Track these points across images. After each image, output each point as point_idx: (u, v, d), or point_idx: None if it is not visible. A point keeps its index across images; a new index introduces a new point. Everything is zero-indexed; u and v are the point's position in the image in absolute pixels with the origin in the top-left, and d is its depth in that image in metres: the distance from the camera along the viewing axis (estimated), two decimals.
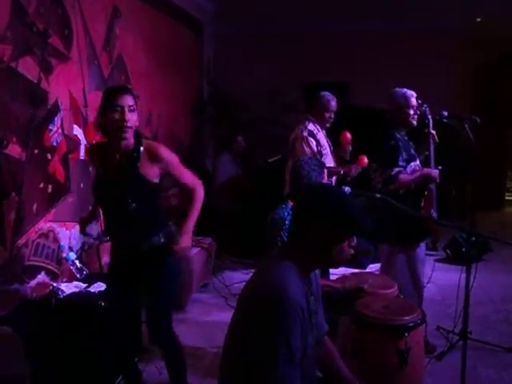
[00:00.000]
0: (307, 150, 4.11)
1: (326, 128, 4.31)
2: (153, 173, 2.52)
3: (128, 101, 2.42)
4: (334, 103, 4.23)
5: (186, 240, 2.58)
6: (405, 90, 3.43)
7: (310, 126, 4.19)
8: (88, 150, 2.54)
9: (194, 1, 6.60)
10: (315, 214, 1.72)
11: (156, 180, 2.54)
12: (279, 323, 1.60)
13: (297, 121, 4.41)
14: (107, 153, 2.52)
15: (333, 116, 4.27)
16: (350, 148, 4.22)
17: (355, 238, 1.77)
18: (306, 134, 4.15)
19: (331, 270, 3.49)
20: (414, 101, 3.39)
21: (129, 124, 2.41)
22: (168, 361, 2.76)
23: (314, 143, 4.14)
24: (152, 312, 2.65)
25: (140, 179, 2.49)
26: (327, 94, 4.26)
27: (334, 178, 4.26)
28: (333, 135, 4.43)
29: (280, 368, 1.59)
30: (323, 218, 1.70)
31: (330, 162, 4.22)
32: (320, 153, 4.15)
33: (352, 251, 1.77)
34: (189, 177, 2.69)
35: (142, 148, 2.50)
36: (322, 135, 4.25)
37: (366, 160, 3.97)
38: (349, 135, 4.16)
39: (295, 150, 4.15)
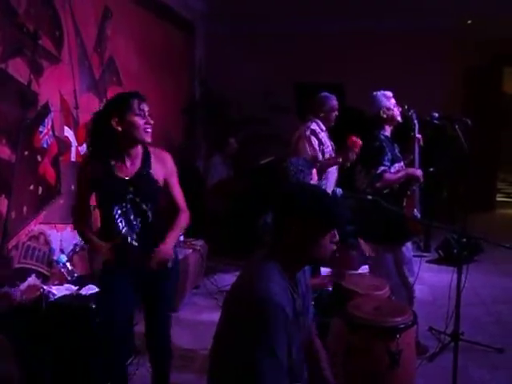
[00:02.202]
0: (309, 148, 4.19)
1: (329, 128, 4.37)
2: (160, 177, 2.56)
3: (147, 106, 2.47)
4: (335, 102, 4.32)
5: (167, 246, 2.51)
6: (382, 91, 3.52)
7: (313, 126, 4.27)
8: (86, 157, 2.48)
9: (185, 1, 6.59)
10: (292, 212, 1.74)
11: (161, 184, 2.57)
12: (264, 332, 1.59)
13: (290, 122, 4.39)
14: (114, 159, 2.46)
15: (336, 114, 4.34)
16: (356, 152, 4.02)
17: (337, 234, 1.78)
18: (308, 133, 4.22)
19: (323, 272, 3.49)
20: (393, 99, 3.50)
21: (151, 129, 2.47)
22: (162, 364, 2.76)
23: (316, 142, 4.21)
24: (159, 318, 2.69)
25: (153, 183, 2.52)
26: (329, 95, 4.34)
27: (336, 168, 4.30)
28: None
29: (268, 376, 1.58)
30: (300, 215, 1.72)
31: None
32: (322, 151, 4.23)
33: (334, 247, 1.79)
34: (182, 197, 2.68)
35: (151, 153, 2.55)
36: (324, 135, 4.32)
37: (359, 141, 3.90)
38: (355, 139, 4.02)
39: (298, 149, 4.21)
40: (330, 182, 4.25)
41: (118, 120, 2.39)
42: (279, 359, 1.61)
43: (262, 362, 1.59)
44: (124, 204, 2.46)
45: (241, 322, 1.64)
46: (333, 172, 4.29)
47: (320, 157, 4.21)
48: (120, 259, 2.47)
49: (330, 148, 4.33)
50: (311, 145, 4.18)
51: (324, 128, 4.31)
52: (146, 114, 2.45)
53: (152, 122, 2.46)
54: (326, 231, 1.75)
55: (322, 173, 4.12)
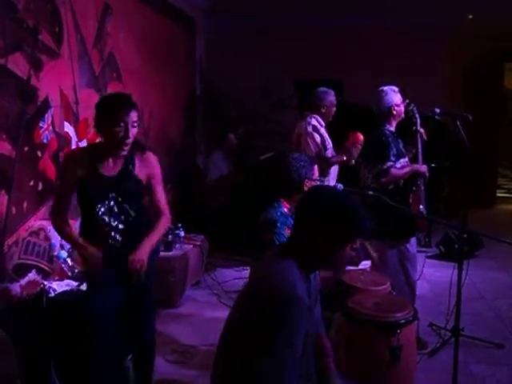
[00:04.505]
0: (312, 145, 4.22)
1: (328, 123, 4.38)
2: (143, 177, 2.56)
3: (133, 117, 2.37)
4: (333, 97, 4.33)
5: (142, 252, 2.47)
6: (389, 86, 3.50)
7: (314, 122, 4.29)
8: (74, 155, 2.49)
9: None
10: (323, 218, 1.71)
11: (144, 182, 2.58)
12: (285, 320, 1.59)
13: (289, 117, 4.39)
14: (100, 156, 2.46)
15: (334, 109, 4.35)
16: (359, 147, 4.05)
17: (358, 242, 1.78)
18: (310, 129, 4.24)
19: None
20: (399, 94, 3.49)
21: (130, 141, 2.39)
22: (146, 361, 2.76)
23: (318, 138, 4.24)
24: (143, 312, 2.68)
25: (136, 183, 2.53)
26: (327, 89, 4.34)
27: (336, 170, 4.34)
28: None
29: (282, 364, 1.59)
30: (332, 221, 1.70)
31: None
32: (325, 147, 4.26)
33: (353, 253, 1.78)
34: (164, 201, 2.67)
35: (135, 155, 2.53)
36: (324, 130, 4.34)
37: (361, 136, 3.94)
38: (361, 136, 4.03)
39: (300, 146, 4.23)
40: (332, 177, 4.27)
41: (99, 128, 2.39)
42: (295, 351, 1.61)
43: (281, 352, 1.58)
44: (107, 202, 2.46)
45: (263, 314, 1.62)
46: (335, 168, 4.30)
47: (323, 152, 4.23)
48: (105, 261, 2.47)
49: (331, 144, 4.34)
50: (314, 141, 4.21)
51: (323, 123, 4.31)
52: (129, 125, 2.35)
53: (130, 135, 2.37)
54: (352, 240, 1.75)
55: (327, 170, 4.15)
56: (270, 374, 1.60)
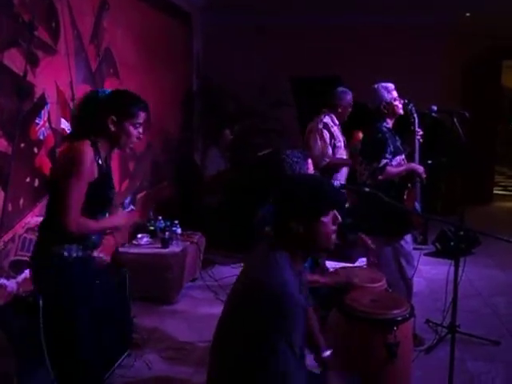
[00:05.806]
0: (320, 142, 4.29)
1: (342, 122, 4.44)
2: None
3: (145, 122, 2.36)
4: (350, 97, 4.39)
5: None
6: (384, 84, 3.50)
7: (326, 119, 4.35)
8: (89, 150, 2.20)
9: None
10: (290, 198, 1.78)
11: None
12: (281, 321, 1.59)
13: (288, 115, 4.42)
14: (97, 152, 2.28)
15: (350, 109, 4.42)
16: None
17: (339, 216, 1.80)
18: (320, 126, 4.32)
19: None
20: (395, 92, 3.48)
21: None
22: None
23: (327, 135, 4.30)
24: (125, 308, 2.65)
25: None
26: (345, 89, 4.42)
27: (346, 169, 4.43)
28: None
29: (282, 366, 1.59)
30: (297, 200, 1.75)
31: (342, 154, 4.42)
32: (334, 145, 4.32)
33: (335, 228, 1.79)
34: None
35: None
36: (336, 129, 4.40)
37: (360, 134, 4.07)
38: (360, 134, 4.22)
39: (309, 142, 4.28)
40: (342, 174, 4.36)
41: (115, 121, 2.25)
42: (294, 349, 1.62)
43: (284, 357, 1.59)
44: (107, 213, 2.37)
45: (255, 314, 1.63)
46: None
47: (330, 151, 4.26)
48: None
49: (343, 143, 4.38)
50: (322, 138, 4.28)
51: (337, 122, 4.39)
52: (141, 126, 2.33)
53: (142, 137, 2.36)
54: (327, 210, 1.76)
55: (335, 170, 4.22)
56: (270, 375, 1.60)
